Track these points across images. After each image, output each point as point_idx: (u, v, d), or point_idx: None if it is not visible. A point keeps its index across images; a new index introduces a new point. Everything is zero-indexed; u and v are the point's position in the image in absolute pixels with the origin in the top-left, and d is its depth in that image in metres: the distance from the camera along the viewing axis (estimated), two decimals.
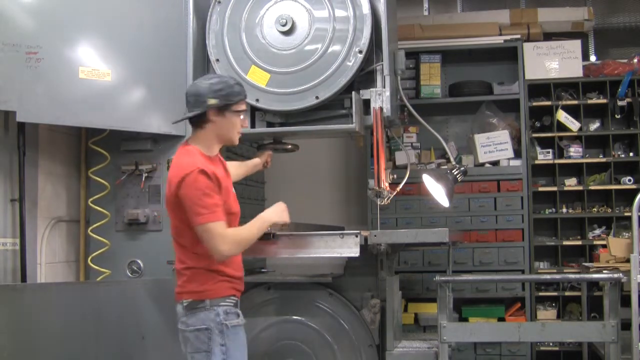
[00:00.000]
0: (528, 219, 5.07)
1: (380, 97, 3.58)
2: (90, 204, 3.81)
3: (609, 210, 5.18)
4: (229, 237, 2.67)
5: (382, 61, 3.61)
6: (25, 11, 3.37)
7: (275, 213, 2.95)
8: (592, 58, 5.65)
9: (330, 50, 3.58)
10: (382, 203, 3.63)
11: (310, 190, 5.54)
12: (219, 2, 3.76)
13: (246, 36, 3.69)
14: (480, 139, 5.21)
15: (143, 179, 3.80)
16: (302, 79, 3.60)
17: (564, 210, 5.25)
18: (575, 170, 5.33)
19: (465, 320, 4.89)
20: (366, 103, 3.62)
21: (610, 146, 5.19)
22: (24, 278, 3.42)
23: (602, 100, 5.23)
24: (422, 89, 5.36)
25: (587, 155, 5.24)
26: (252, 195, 4.75)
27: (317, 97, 3.58)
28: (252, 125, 3.75)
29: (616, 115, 5.16)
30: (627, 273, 3.44)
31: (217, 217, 2.64)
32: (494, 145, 5.19)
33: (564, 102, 5.23)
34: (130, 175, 3.83)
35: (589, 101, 5.24)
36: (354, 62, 3.55)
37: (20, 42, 3.31)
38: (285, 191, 4.89)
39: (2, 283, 3.37)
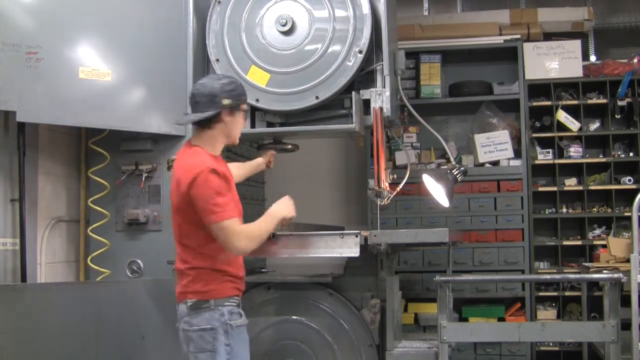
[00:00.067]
0: (528, 219, 5.07)
1: (380, 97, 3.58)
2: (90, 204, 3.81)
3: (609, 210, 5.18)
4: (245, 233, 2.71)
5: (382, 61, 3.61)
6: (25, 11, 3.37)
7: (284, 207, 2.97)
8: (592, 58, 5.65)
9: (330, 50, 3.58)
10: (382, 203, 3.63)
11: (310, 190, 5.53)
12: (219, 2, 3.77)
13: (246, 36, 3.69)
14: (480, 139, 5.21)
15: (143, 179, 3.80)
16: (302, 79, 3.60)
17: (564, 210, 5.25)
18: (575, 170, 5.33)
19: (465, 320, 4.89)
20: (366, 103, 3.62)
21: (610, 146, 5.19)
22: (24, 278, 3.42)
23: (602, 100, 5.23)
24: (422, 89, 5.36)
25: (587, 155, 5.24)
26: (252, 195, 4.75)
27: (317, 97, 3.58)
28: (252, 125, 3.75)
29: (616, 115, 5.16)
30: (627, 273, 3.44)
31: (231, 215, 2.67)
32: (494, 145, 5.19)
33: (564, 102, 5.23)
34: (130, 175, 3.83)
35: (589, 101, 5.24)
36: (354, 62, 3.55)
37: (20, 42, 3.31)
38: (285, 191, 4.85)
39: (2, 283, 3.37)
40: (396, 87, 3.71)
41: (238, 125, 2.90)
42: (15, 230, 3.47)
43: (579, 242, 5.18)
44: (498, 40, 5.36)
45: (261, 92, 3.64)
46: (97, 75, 3.53)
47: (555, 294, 5.12)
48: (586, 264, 4.60)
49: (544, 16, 5.45)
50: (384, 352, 3.54)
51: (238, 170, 3.45)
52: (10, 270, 3.44)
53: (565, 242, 5.19)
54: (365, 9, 3.56)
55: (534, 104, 5.26)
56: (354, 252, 3.30)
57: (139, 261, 3.78)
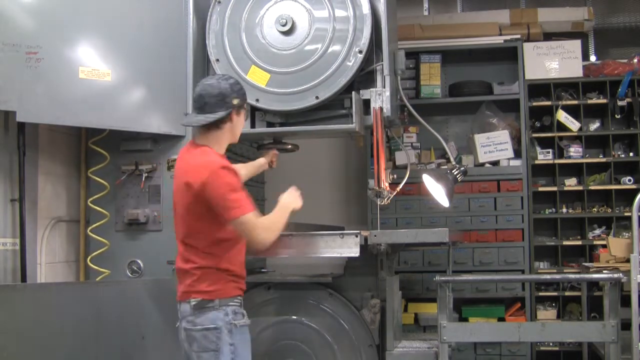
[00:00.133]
0: (528, 219, 5.07)
1: (380, 97, 3.58)
2: (90, 204, 3.81)
3: (609, 210, 5.18)
4: (265, 225, 2.78)
5: (382, 61, 3.61)
6: (25, 11, 3.37)
7: (294, 199, 3.03)
8: (592, 58, 5.65)
9: (330, 50, 3.58)
10: (382, 203, 3.63)
11: (310, 190, 5.46)
12: (219, 2, 3.76)
13: (246, 36, 3.69)
14: (480, 139, 5.21)
15: (143, 179, 3.80)
16: (302, 79, 3.60)
17: (564, 210, 5.25)
18: (575, 170, 5.33)
19: (465, 320, 4.89)
20: (366, 103, 3.62)
21: (610, 146, 5.19)
22: (24, 278, 3.42)
23: (602, 100, 5.23)
24: (422, 89, 5.36)
25: (587, 155, 5.23)
26: (252, 195, 4.75)
27: (317, 97, 3.58)
28: (252, 125, 3.75)
29: (616, 115, 5.16)
30: (627, 273, 3.44)
31: (250, 209, 2.71)
32: (494, 145, 5.19)
33: (564, 102, 5.23)
34: (130, 175, 3.83)
35: (589, 101, 5.24)
36: (354, 62, 3.54)
37: (20, 42, 3.31)
38: (285, 191, 4.88)
39: (2, 283, 3.37)
40: (396, 87, 3.71)
41: (241, 124, 2.95)
42: (15, 230, 3.47)
43: (579, 242, 5.18)
44: (498, 40, 5.36)
45: (261, 92, 3.64)
46: (97, 75, 3.53)
47: (555, 294, 5.12)
48: (586, 264, 4.60)
49: (544, 16, 5.45)
50: (384, 352, 3.54)
51: (241, 171, 3.45)
52: (10, 270, 3.44)
53: (565, 242, 5.19)
54: (365, 9, 3.56)
55: (534, 104, 5.26)
56: (354, 252, 3.30)
57: (139, 261, 3.78)
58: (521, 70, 5.23)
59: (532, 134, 5.26)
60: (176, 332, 2.89)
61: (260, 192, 5.04)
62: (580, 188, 5.19)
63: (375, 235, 3.38)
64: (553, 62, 5.25)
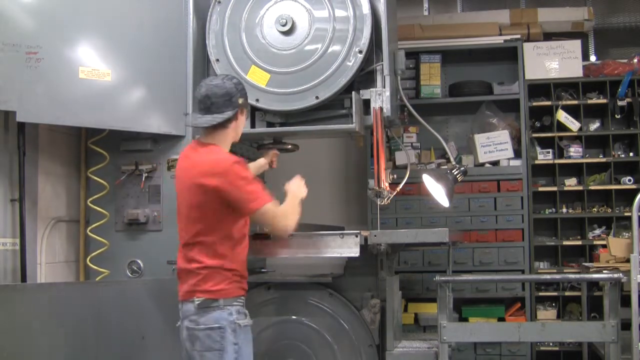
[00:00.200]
0: (528, 219, 5.07)
1: (380, 97, 3.58)
2: (89, 204, 3.81)
3: (609, 210, 5.18)
4: (285, 212, 2.90)
5: (382, 61, 3.61)
6: (25, 11, 3.36)
7: (300, 187, 3.11)
8: (592, 58, 5.66)
9: (330, 50, 3.58)
10: (382, 203, 3.63)
11: (310, 190, 5.47)
12: (219, 2, 3.76)
13: (246, 36, 3.69)
14: (480, 139, 5.21)
15: (143, 179, 3.80)
16: (302, 79, 3.60)
17: (564, 210, 5.25)
18: (575, 170, 5.33)
19: (465, 320, 4.89)
20: (366, 103, 3.62)
21: (610, 146, 5.20)
22: (24, 278, 3.41)
23: (602, 100, 5.23)
24: (422, 89, 5.36)
25: (587, 155, 5.24)
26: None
27: (317, 97, 3.58)
28: (252, 125, 3.75)
29: (616, 115, 5.17)
30: (627, 273, 3.44)
31: (268, 199, 2.81)
32: (494, 145, 5.19)
33: (564, 102, 5.23)
34: (130, 175, 3.82)
35: (589, 101, 5.24)
36: (354, 62, 3.55)
37: (20, 42, 3.30)
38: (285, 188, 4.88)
39: (2, 283, 3.36)
40: (396, 87, 3.71)
41: (243, 123, 3.02)
42: (15, 230, 3.47)
43: (579, 242, 5.19)
44: (498, 40, 5.36)
45: (261, 92, 3.64)
46: (97, 75, 3.53)
47: (555, 294, 5.12)
48: (586, 264, 4.60)
49: (544, 16, 5.45)
50: (384, 352, 3.54)
51: None
52: (10, 270, 3.43)
53: (565, 242, 5.19)
54: (365, 9, 3.56)
55: (534, 104, 5.26)
56: (354, 252, 3.30)
57: (139, 261, 3.77)
58: (521, 70, 5.23)
59: (532, 134, 5.26)
60: (176, 331, 2.89)
61: None
62: (580, 188, 5.19)
63: (375, 235, 3.38)
64: (553, 62, 5.26)
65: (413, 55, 5.31)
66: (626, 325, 3.41)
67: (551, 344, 5.02)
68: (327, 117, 3.70)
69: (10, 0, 3.32)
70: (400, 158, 5.20)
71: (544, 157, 5.25)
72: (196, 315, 2.75)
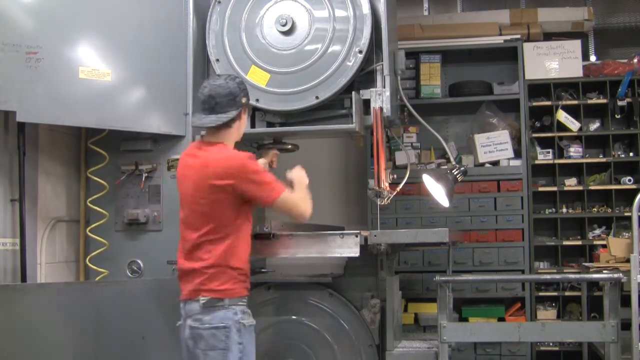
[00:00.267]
0: (528, 219, 5.07)
1: (380, 97, 3.58)
2: (89, 204, 3.81)
3: (609, 210, 5.18)
4: (301, 198, 2.97)
5: (382, 61, 3.61)
6: (25, 11, 3.36)
7: (303, 175, 3.16)
8: (592, 58, 5.65)
9: (330, 50, 3.58)
10: (382, 203, 3.63)
11: (311, 190, 5.51)
12: (219, 2, 3.76)
13: (246, 36, 3.69)
14: (480, 139, 5.21)
15: (143, 179, 3.80)
16: (302, 79, 3.60)
17: (564, 210, 5.25)
18: (575, 170, 5.33)
19: (465, 320, 4.89)
20: (366, 103, 3.62)
21: (610, 146, 5.19)
22: (24, 278, 3.41)
23: (602, 100, 5.23)
24: (422, 89, 5.36)
25: (587, 155, 5.23)
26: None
27: (317, 97, 3.58)
28: (252, 125, 3.75)
29: (616, 115, 5.16)
30: (627, 273, 3.44)
31: (283, 187, 2.90)
32: (494, 145, 5.19)
33: (564, 102, 5.23)
34: (130, 175, 3.82)
35: (589, 101, 5.24)
36: (354, 62, 3.55)
37: (20, 42, 3.30)
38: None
39: (2, 283, 3.36)
40: (396, 87, 3.71)
41: (245, 123, 3.06)
42: (15, 230, 3.47)
43: (579, 242, 5.18)
44: (498, 40, 5.36)
45: (261, 92, 3.64)
46: (97, 75, 3.53)
47: (555, 294, 5.12)
48: (586, 264, 4.60)
49: (544, 16, 5.45)
50: (384, 352, 3.54)
51: None
52: (10, 270, 3.43)
53: (565, 242, 5.19)
54: (365, 9, 3.56)
55: (534, 104, 5.26)
56: (354, 252, 3.30)
57: (139, 261, 3.77)
58: (521, 70, 5.23)
59: (532, 134, 5.26)
60: (177, 331, 2.89)
61: None
62: (580, 188, 5.19)
63: (375, 235, 3.38)
64: (553, 62, 5.26)
65: (413, 55, 5.31)
66: (626, 325, 3.41)
67: (551, 344, 5.01)
68: (327, 117, 3.70)
69: (10, 0, 3.32)
70: (400, 158, 5.20)
71: (544, 157, 5.25)
72: (201, 314, 2.76)
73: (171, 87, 3.75)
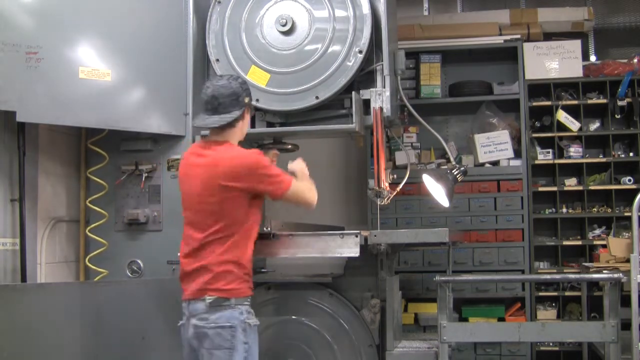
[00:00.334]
0: (528, 219, 5.07)
1: (380, 97, 3.58)
2: (89, 204, 3.81)
3: (609, 210, 5.18)
4: (307, 187, 3.05)
5: (382, 61, 3.60)
6: (25, 11, 3.36)
7: (304, 168, 3.20)
8: (592, 58, 5.65)
9: (330, 50, 3.57)
10: (382, 203, 3.62)
11: None
12: (219, 2, 3.76)
13: (246, 36, 3.69)
14: (480, 139, 5.21)
15: (143, 179, 3.80)
16: (302, 79, 3.60)
17: (564, 210, 5.25)
18: (575, 170, 5.33)
19: (465, 320, 4.89)
20: (366, 103, 3.62)
21: (610, 146, 5.20)
22: (24, 278, 3.41)
23: (602, 100, 5.23)
24: (422, 89, 5.36)
25: (587, 155, 5.24)
26: None
27: (317, 97, 3.58)
28: (252, 125, 3.74)
29: (616, 115, 5.17)
30: (627, 273, 3.44)
31: (291, 178, 2.97)
32: (494, 145, 5.19)
33: (564, 102, 5.23)
34: (130, 175, 3.82)
35: (589, 101, 5.24)
36: (354, 62, 3.54)
37: (20, 42, 3.30)
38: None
39: (2, 283, 3.36)
40: (396, 87, 3.71)
41: (247, 122, 3.08)
42: (15, 230, 3.46)
43: (579, 242, 5.19)
44: (498, 40, 5.36)
45: (261, 92, 3.64)
46: (97, 75, 3.52)
47: (555, 294, 5.12)
48: (586, 264, 4.60)
49: (544, 16, 5.45)
50: (384, 352, 3.54)
51: None
52: (10, 270, 3.43)
53: (565, 242, 5.19)
54: (365, 9, 3.56)
55: (534, 104, 5.26)
56: (354, 252, 3.30)
57: (139, 261, 3.77)
58: (521, 70, 5.23)
59: (532, 134, 5.26)
60: (178, 330, 2.89)
61: None
62: (580, 188, 5.19)
63: (375, 235, 3.38)
64: (553, 62, 5.26)
65: (413, 55, 5.31)
66: (626, 325, 3.41)
67: (551, 344, 5.02)
68: (327, 117, 3.70)
69: (10, 0, 3.32)
70: (400, 158, 5.20)
71: (544, 157, 5.25)
72: (206, 313, 2.76)
73: (171, 87, 3.75)
